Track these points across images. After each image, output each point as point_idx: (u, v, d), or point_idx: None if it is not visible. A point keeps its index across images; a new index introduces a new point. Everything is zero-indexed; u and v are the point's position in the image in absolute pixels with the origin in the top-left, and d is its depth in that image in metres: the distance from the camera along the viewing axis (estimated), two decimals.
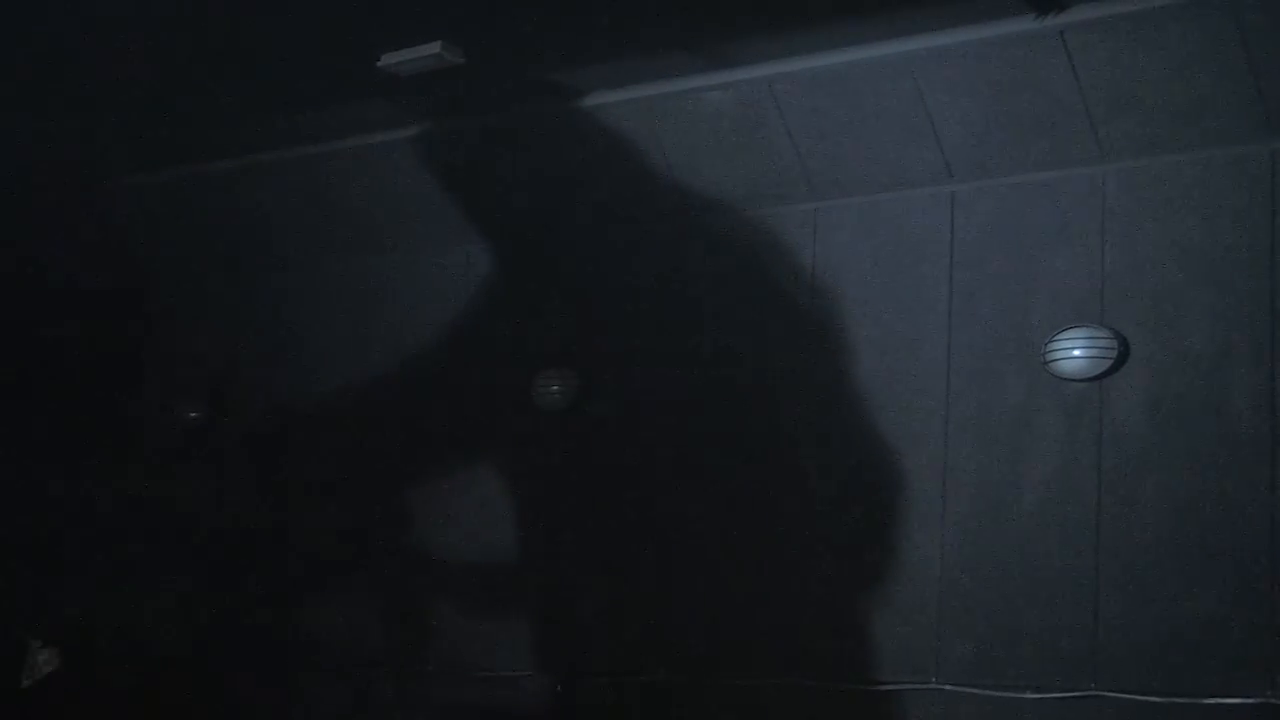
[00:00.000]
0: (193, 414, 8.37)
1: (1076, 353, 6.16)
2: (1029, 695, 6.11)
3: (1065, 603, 6.12)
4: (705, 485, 6.93)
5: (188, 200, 8.13)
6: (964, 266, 6.53)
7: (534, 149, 7.25)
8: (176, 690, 7.91)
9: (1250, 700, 5.70)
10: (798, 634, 6.60)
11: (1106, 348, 6.13)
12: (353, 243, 7.96)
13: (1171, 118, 6.09)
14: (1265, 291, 5.92)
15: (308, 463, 7.99)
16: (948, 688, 6.28)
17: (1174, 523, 5.97)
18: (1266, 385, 5.88)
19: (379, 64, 6.53)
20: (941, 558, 6.38)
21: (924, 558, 6.42)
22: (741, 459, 6.87)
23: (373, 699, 7.52)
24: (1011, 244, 6.45)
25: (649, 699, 6.88)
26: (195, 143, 7.66)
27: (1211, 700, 5.76)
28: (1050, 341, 6.22)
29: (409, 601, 7.56)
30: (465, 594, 7.43)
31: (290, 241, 8.10)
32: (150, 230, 8.32)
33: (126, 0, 6.09)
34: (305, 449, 8.02)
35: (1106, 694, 5.97)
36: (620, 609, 7.02)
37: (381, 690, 7.51)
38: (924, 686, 6.32)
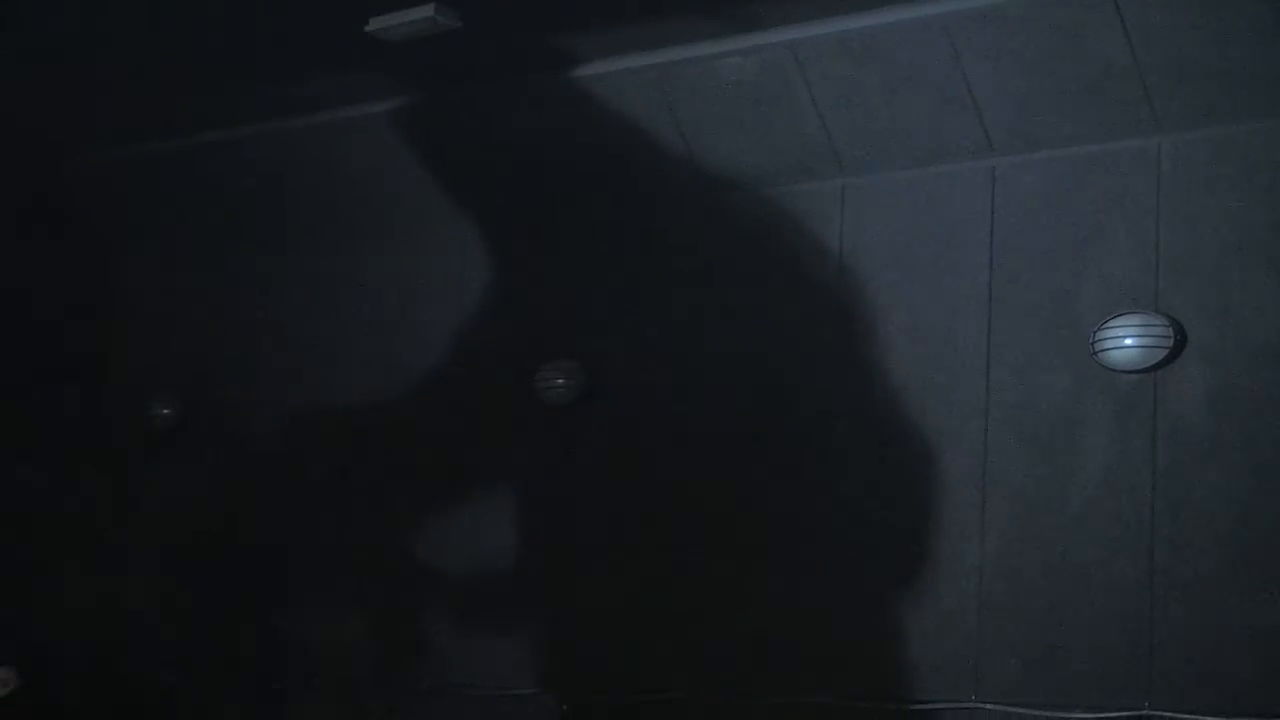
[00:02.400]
0: (165, 410, 8.23)
1: (1128, 341, 5.97)
2: (1078, 715, 5.92)
3: (1117, 614, 5.94)
4: (723, 487, 6.77)
5: (160, 177, 8.01)
6: (1005, 248, 6.37)
7: (535, 122, 7.11)
8: (151, 712, 7.79)
9: None
10: (824, 648, 6.45)
11: (1161, 336, 5.94)
12: (340, 224, 7.83)
13: (1233, 85, 5.87)
14: None
15: (291, 464, 7.86)
16: (989, 706, 6.11)
17: (1235, 526, 5.79)
18: None
19: (367, 28, 6.41)
20: (981, 565, 6.23)
21: (962, 565, 6.26)
22: (763, 458, 6.71)
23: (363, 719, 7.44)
24: (1057, 223, 6.28)
25: (661, 719, 6.73)
26: (168, 116, 7.55)
27: None
28: (1100, 329, 6.03)
29: (402, 614, 7.44)
30: (462, 605, 7.30)
31: (271, 221, 7.97)
32: (119, 208, 8.20)
33: None
34: (288, 449, 7.89)
35: (1163, 713, 5.79)
36: (631, 620, 6.86)
37: (373, 710, 7.41)
38: (963, 705, 6.16)
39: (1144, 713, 5.78)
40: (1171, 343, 5.91)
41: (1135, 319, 5.95)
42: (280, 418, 7.89)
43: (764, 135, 6.72)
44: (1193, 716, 5.69)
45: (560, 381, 7.11)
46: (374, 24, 6.36)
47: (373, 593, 7.53)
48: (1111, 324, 5.98)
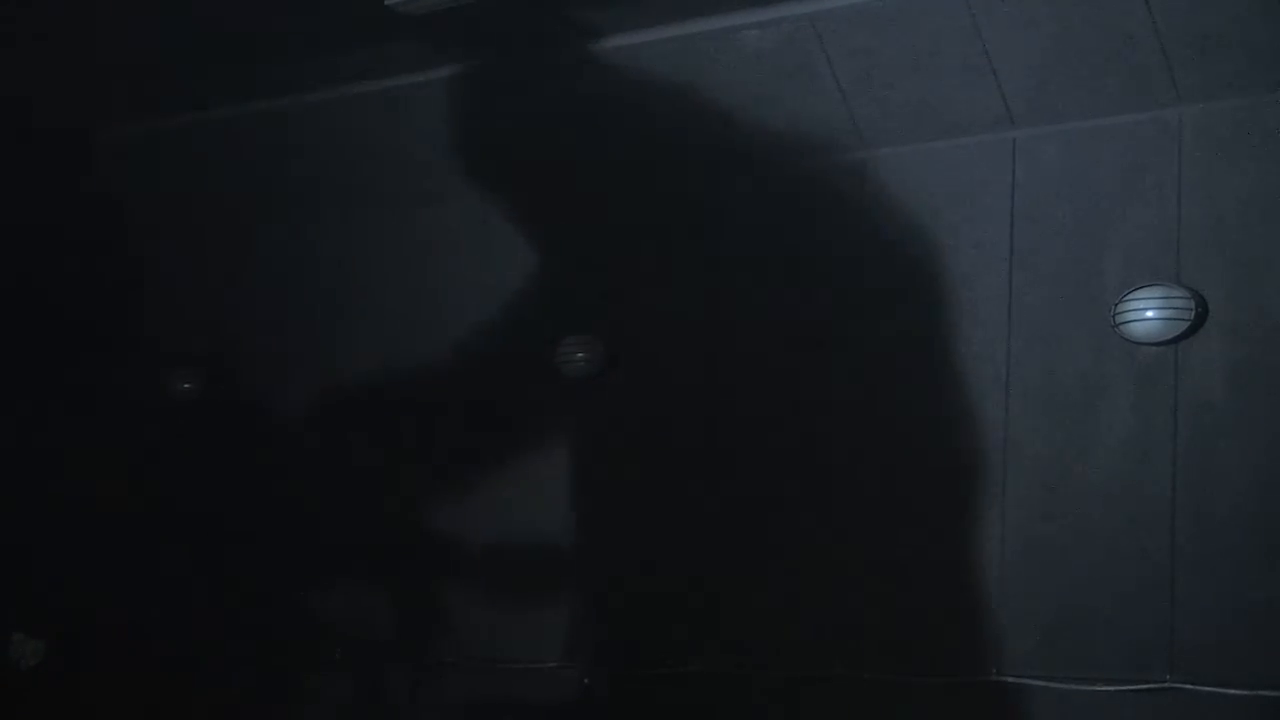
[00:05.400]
0: (186, 384, 8.18)
1: (1150, 314, 5.92)
2: (1099, 688, 5.88)
3: (1138, 587, 5.89)
4: (744, 461, 6.72)
5: (182, 150, 7.94)
6: (1026, 220, 6.30)
7: (555, 96, 7.06)
8: (172, 685, 7.71)
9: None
10: (845, 622, 6.41)
11: (1183, 308, 5.89)
12: (362, 198, 7.77)
13: (1257, 54, 5.82)
14: None
15: (313, 437, 7.81)
16: (1009, 679, 6.06)
17: (1257, 499, 5.74)
18: None
19: (387, 2, 6.37)
20: (1002, 538, 6.17)
21: (983, 538, 6.21)
22: (783, 431, 6.66)
23: (384, 693, 7.37)
24: (1078, 195, 6.21)
25: (685, 692, 6.69)
26: (192, 88, 7.52)
27: None
28: (1121, 302, 5.98)
29: (423, 587, 7.41)
30: (483, 579, 7.27)
31: (294, 195, 7.91)
32: (141, 180, 8.12)
33: None
34: (310, 422, 7.83)
35: (1184, 686, 5.74)
36: (653, 593, 6.83)
37: (394, 684, 7.36)
38: (985, 679, 6.11)
39: (1166, 684, 5.74)
40: (1193, 315, 5.85)
41: (1156, 291, 5.90)
42: (302, 391, 7.84)
43: (783, 109, 6.65)
44: (1214, 688, 5.64)
45: (580, 355, 7.07)
46: None
47: (394, 567, 7.49)
48: (1132, 296, 5.93)
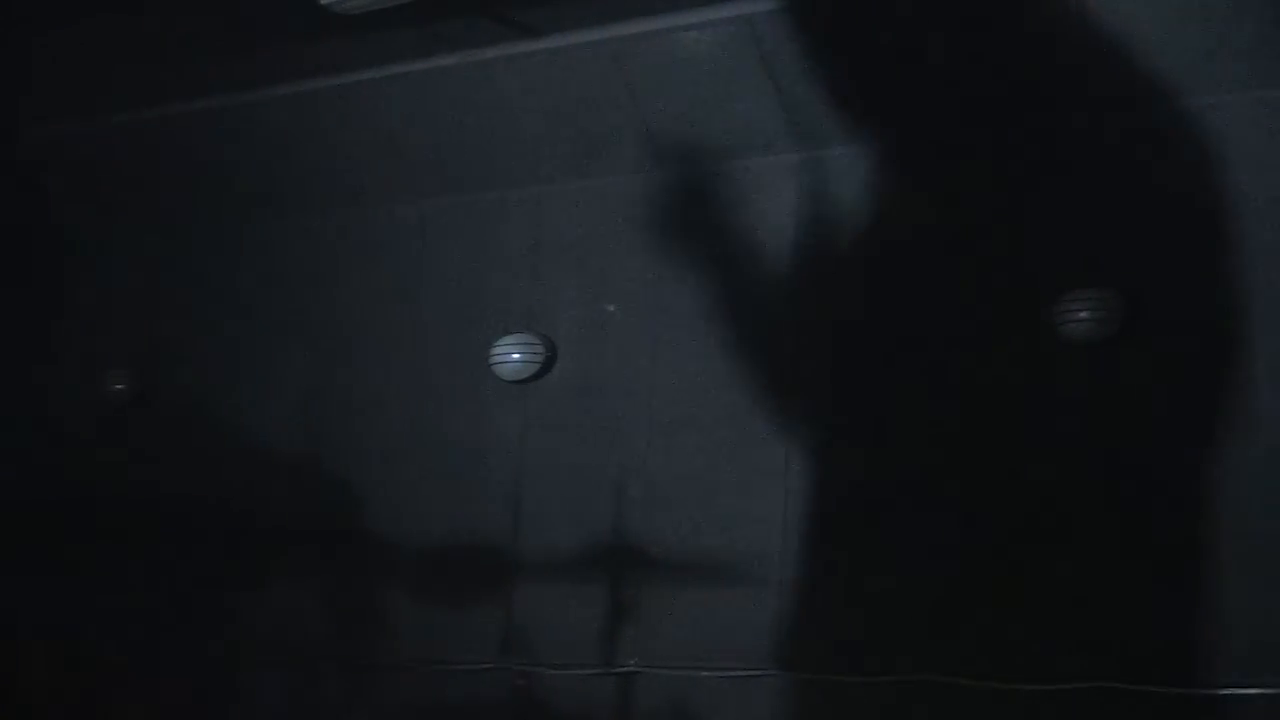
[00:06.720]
0: (117, 385, 8.12)
1: (1083, 315, 5.94)
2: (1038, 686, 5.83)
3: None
4: (680, 457, 6.76)
5: (111, 149, 7.91)
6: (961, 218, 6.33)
7: (492, 95, 7.05)
8: (103, 688, 7.68)
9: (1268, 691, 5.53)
10: (810, 625, 6.41)
11: (1112, 308, 5.91)
12: (295, 196, 7.76)
13: (1199, 60, 5.86)
14: None
15: (245, 437, 7.78)
16: (963, 682, 6.03)
17: (1204, 497, 5.77)
18: None
19: (322, 0, 6.32)
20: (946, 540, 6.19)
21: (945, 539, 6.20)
22: (724, 427, 6.66)
23: (318, 696, 7.34)
24: (1010, 194, 6.25)
25: (625, 691, 6.71)
26: (119, 87, 7.45)
27: (1226, 691, 5.58)
28: (1054, 303, 5.99)
29: (357, 588, 7.41)
30: (417, 580, 7.26)
31: (225, 194, 7.87)
32: (70, 179, 8.11)
33: None
34: (242, 421, 7.81)
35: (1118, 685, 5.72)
36: (586, 593, 6.83)
37: (327, 686, 7.33)
38: (950, 680, 6.07)
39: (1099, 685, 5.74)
40: (1123, 315, 5.87)
41: (1087, 292, 5.90)
42: (236, 391, 7.82)
43: (720, 109, 6.64)
44: (1145, 687, 5.65)
45: (516, 356, 7.04)
46: None
47: (328, 568, 7.47)
48: (1065, 297, 5.93)
